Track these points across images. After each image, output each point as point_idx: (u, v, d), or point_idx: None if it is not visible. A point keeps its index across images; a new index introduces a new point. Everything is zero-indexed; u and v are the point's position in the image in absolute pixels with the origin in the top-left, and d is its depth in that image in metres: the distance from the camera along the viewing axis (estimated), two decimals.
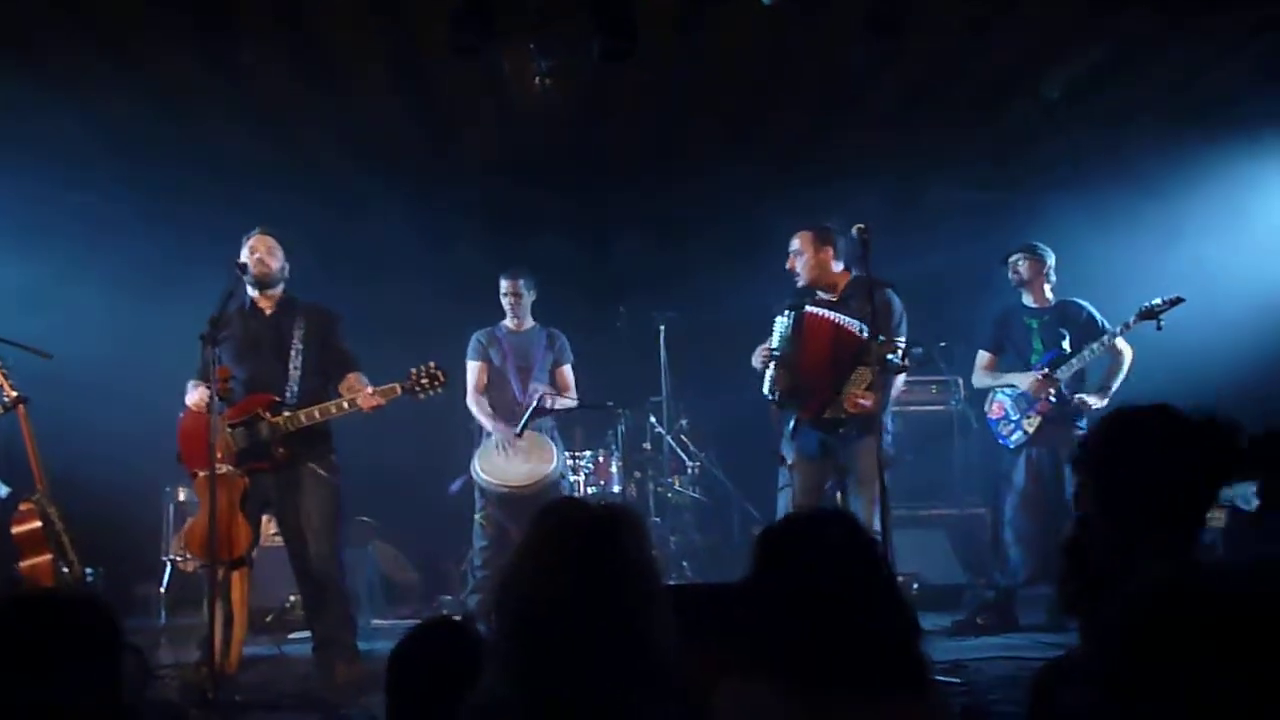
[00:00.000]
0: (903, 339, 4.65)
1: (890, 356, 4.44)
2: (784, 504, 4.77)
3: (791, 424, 4.78)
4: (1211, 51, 5.73)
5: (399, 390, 4.42)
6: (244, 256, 4.52)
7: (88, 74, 5.57)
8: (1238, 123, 6.22)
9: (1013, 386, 5.32)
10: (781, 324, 4.75)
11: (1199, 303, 5.21)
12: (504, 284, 5.77)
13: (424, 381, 4.45)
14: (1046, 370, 5.21)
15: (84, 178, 6.40)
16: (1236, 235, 6.52)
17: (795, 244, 4.89)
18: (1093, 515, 1.84)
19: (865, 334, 4.48)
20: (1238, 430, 1.76)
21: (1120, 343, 5.16)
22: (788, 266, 4.90)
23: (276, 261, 4.60)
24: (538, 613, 1.66)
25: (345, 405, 4.38)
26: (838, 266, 4.86)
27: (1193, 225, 6.45)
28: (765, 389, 4.77)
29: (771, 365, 4.71)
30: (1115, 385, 5.25)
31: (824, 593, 1.74)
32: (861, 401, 4.52)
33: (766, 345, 4.81)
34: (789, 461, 4.77)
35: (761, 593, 1.84)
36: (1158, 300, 4.98)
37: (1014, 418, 5.29)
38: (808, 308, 4.75)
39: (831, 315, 4.66)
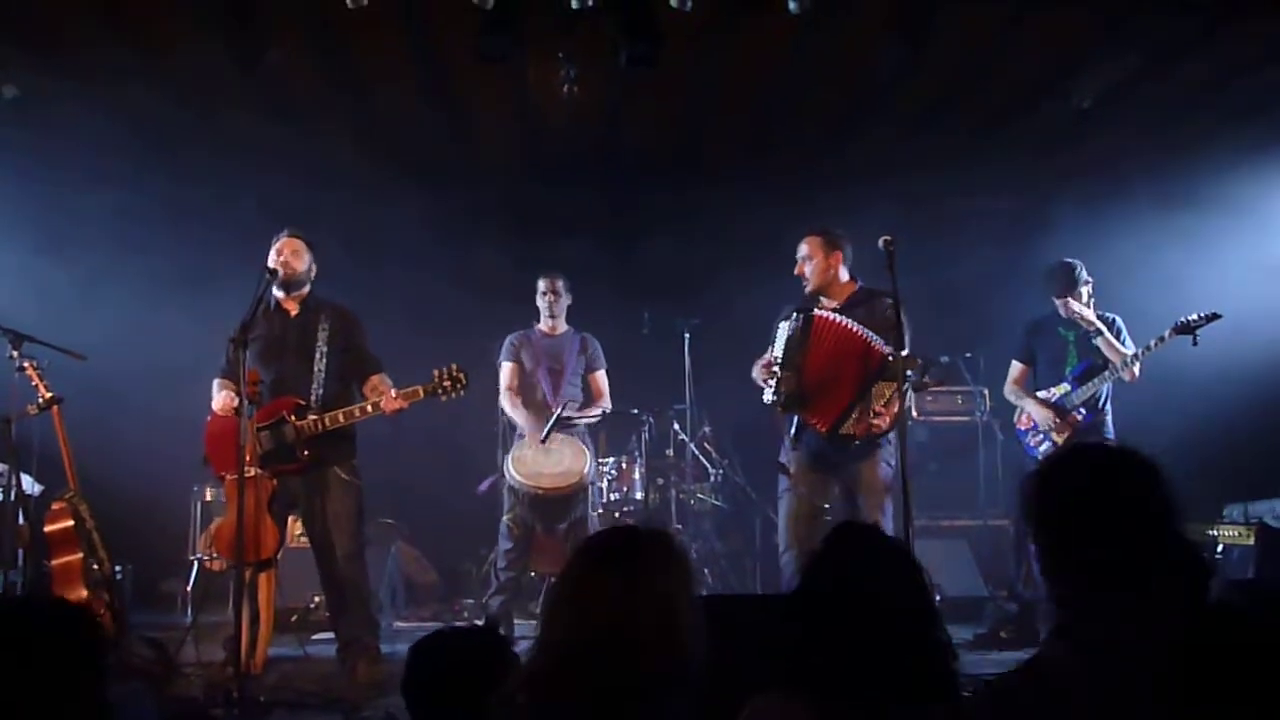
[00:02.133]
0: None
1: (910, 373, 4.34)
2: (785, 510, 4.71)
3: (793, 429, 4.71)
4: (1245, 56, 5.68)
5: (421, 393, 4.45)
6: (271, 259, 4.58)
7: (114, 67, 5.64)
8: (1269, 129, 6.15)
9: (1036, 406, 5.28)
10: (787, 328, 4.64)
11: (1236, 316, 5.16)
12: (542, 283, 5.77)
13: (446, 384, 4.46)
14: (1061, 395, 5.18)
15: (113, 173, 6.46)
16: (1266, 246, 6.46)
17: (804, 249, 4.83)
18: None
19: (888, 349, 4.39)
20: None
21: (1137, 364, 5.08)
22: (796, 271, 4.84)
23: (302, 264, 4.65)
24: (568, 638, 1.68)
25: (369, 408, 4.43)
26: (844, 275, 4.81)
27: (1222, 235, 6.39)
28: (768, 396, 4.65)
29: (776, 370, 4.59)
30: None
31: (868, 609, 1.76)
32: (876, 421, 4.46)
33: (767, 357, 4.72)
34: (790, 469, 4.71)
35: (806, 607, 1.85)
36: (1195, 315, 4.90)
37: (1042, 428, 5.25)
38: (818, 312, 4.65)
39: (854, 326, 4.52)
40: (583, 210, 7.23)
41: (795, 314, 4.65)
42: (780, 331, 4.68)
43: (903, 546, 1.97)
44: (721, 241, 7.35)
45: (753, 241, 7.13)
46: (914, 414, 4.90)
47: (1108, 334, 5.12)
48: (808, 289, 4.82)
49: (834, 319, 4.59)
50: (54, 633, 1.76)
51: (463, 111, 6.43)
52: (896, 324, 4.14)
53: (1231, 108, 6.16)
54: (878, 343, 4.48)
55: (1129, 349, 5.12)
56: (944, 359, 6.14)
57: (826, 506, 4.72)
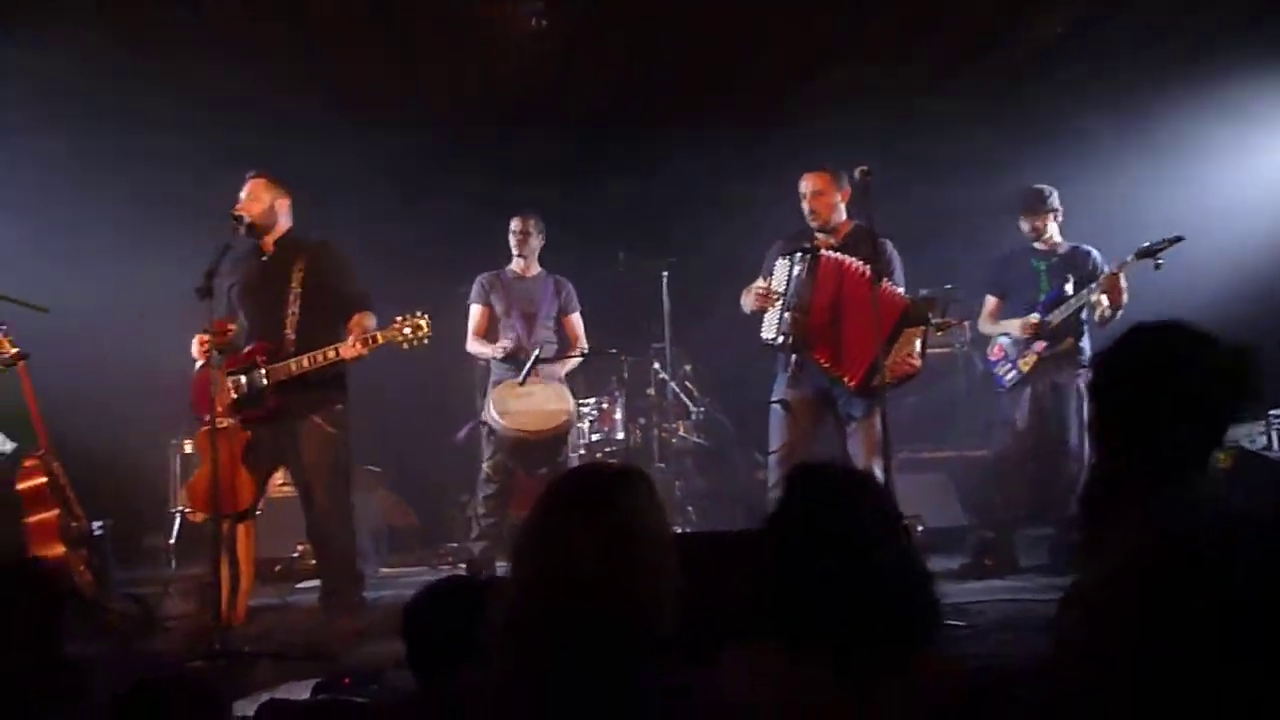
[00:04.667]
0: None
1: (931, 316, 4.47)
2: (779, 444, 4.72)
3: (792, 365, 4.71)
4: None
5: (380, 339, 4.32)
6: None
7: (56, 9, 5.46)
8: (1239, 56, 6.08)
9: (1007, 335, 5.30)
10: (788, 266, 4.62)
11: (1204, 241, 5.13)
12: (514, 223, 5.63)
13: (407, 330, 4.34)
14: (1037, 315, 5.17)
15: (62, 119, 6.29)
16: (1241, 172, 6.44)
17: (814, 184, 4.77)
18: (1101, 438, 1.74)
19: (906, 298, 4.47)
20: (1254, 353, 1.67)
21: (1115, 282, 5.04)
22: (808, 206, 4.78)
23: (260, 204, 4.50)
24: (551, 576, 1.64)
25: (331, 354, 4.31)
26: (844, 212, 4.81)
27: (1196, 163, 6.36)
28: (768, 332, 4.64)
29: (780, 310, 4.58)
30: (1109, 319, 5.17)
31: (843, 548, 1.73)
32: (913, 362, 4.49)
33: (761, 287, 4.70)
34: (787, 402, 4.71)
35: (779, 545, 1.81)
36: (1156, 240, 4.89)
37: (1011, 357, 5.27)
38: (825, 253, 4.61)
39: (866, 271, 4.37)
40: (545, 152, 7.10)
41: (799, 253, 4.62)
42: (780, 268, 4.66)
43: (870, 481, 1.92)
44: (694, 178, 7.25)
45: (727, 177, 7.05)
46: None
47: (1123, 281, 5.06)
48: (815, 224, 4.78)
49: (843, 261, 4.57)
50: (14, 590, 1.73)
51: (422, 50, 6.26)
52: (892, 261, 4.17)
53: (1200, 33, 6.07)
54: (898, 293, 4.50)
55: (1122, 283, 5.08)
56: (957, 291, 6.20)
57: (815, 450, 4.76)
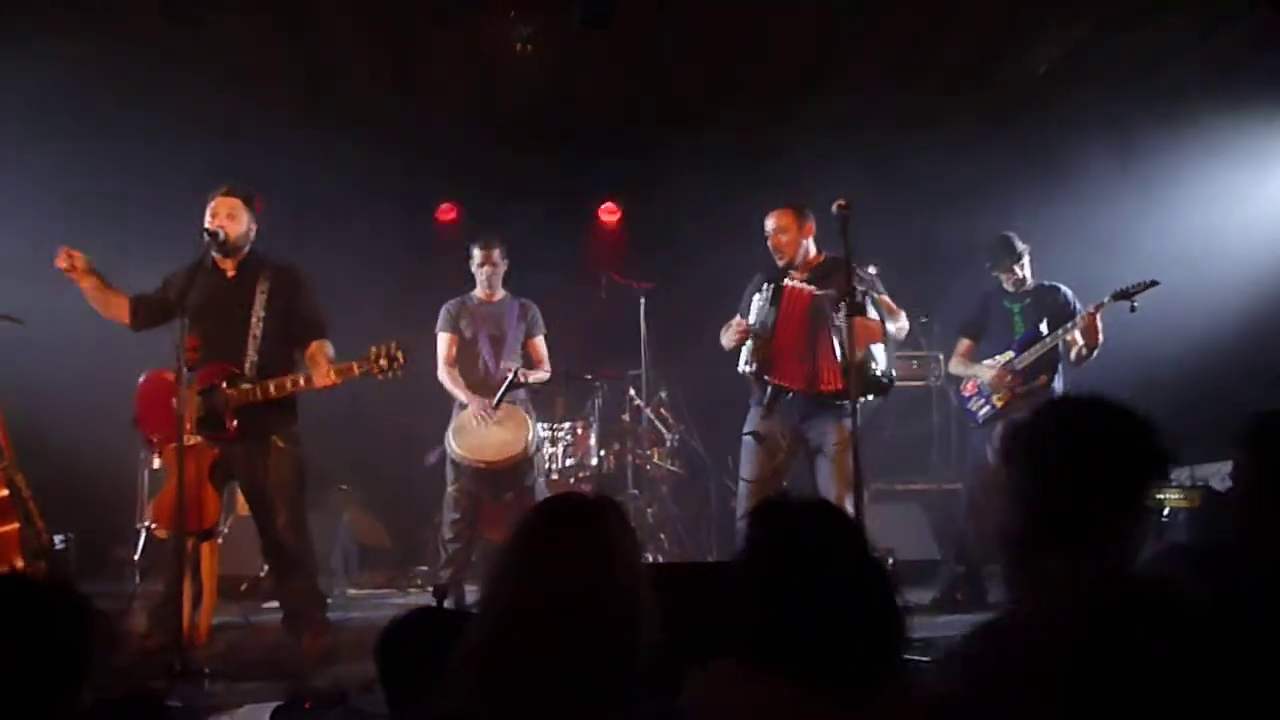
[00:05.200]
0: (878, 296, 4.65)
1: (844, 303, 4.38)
2: (749, 475, 4.76)
3: (767, 397, 4.76)
4: (1196, 23, 5.69)
5: (356, 370, 4.27)
6: (207, 220, 4.37)
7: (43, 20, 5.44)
8: (1225, 94, 6.18)
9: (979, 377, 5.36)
10: (759, 298, 4.75)
11: (1193, 277, 5.16)
12: (477, 253, 5.60)
13: (382, 362, 4.27)
14: (1007, 361, 5.24)
15: (45, 133, 6.25)
16: (1227, 208, 6.53)
17: (778, 222, 4.84)
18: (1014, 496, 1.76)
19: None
20: (1157, 433, 1.70)
21: (1092, 323, 5.10)
22: (771, 244, 4.86)
23: (240, 225, 4.42)
24: (525, 605, 1.63)
25: (301, 382, 4.27)
26: (812, 248, 4.86)
27: (1183, 199, 6.44)
28: (742, 364, 4.76)
29: (749, 339, 4.70)
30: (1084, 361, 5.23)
31: (812, 581, 1.74)
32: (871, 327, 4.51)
33: (739, 322, 4.80)
34: (763, 435, 4.75)
35: (750, 577, 1.83)
36: (1132, 283, 4.96)
37: (985, 393, 5.32)
38: (788, 282, 4.75)
39: (813, 290, 4.62)
40: (534, 172, 7.11)
41: (765, 284, 4.75)
42: (754, 302, 4.78)
43: (840, 514, 1.94)
44: (677, 204, 7.29)
45: (709, 204, 7.09)
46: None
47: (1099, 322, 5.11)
48: (781, 262, 4.85)
49: (802, 289, 4.69)
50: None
51: (415, 72, 6.28)
52: (850, 286, 4.19)
53: (1187, 72, 6.17)
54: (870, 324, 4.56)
55: (1098, 323, 5.14)
56: (924, 320, 6.36)
57: (784, 484, 4.79)
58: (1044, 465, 1.70)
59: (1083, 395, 1.78)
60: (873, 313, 4.58)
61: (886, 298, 4.81)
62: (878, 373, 4.58)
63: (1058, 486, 1.67)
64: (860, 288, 4.37)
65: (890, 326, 4.69)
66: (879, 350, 4.62)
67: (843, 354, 4.45)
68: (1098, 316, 5.05)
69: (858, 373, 4.27)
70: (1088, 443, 1.68)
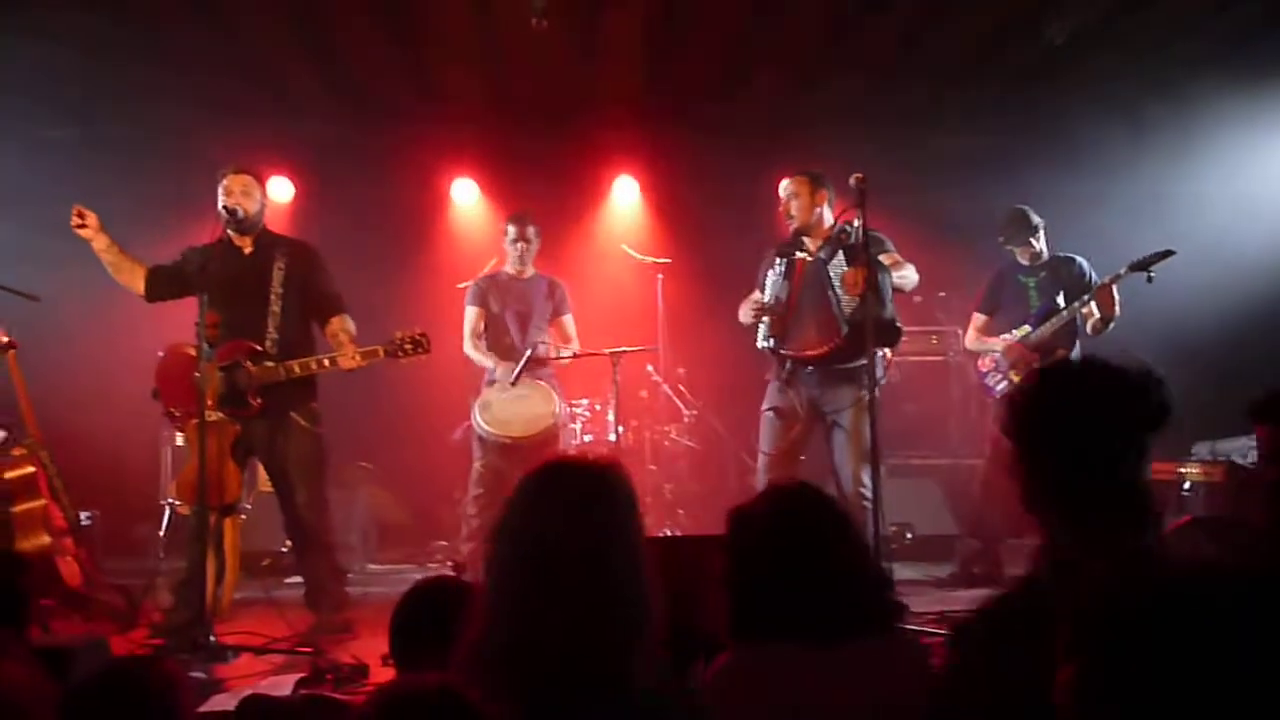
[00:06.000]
0: (895, 278, 4.61)
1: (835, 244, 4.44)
2: (769, 448, 4.77)
3: (786, 372, 4.76)
4: None
5: (381, 354, 4.35)
6: (221, 198, 4.40)
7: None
8: (1248, 65, 6.09)
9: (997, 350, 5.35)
10: (773, 274, 4.75)
11: (1214, 252, 5.09)
12: (512, 229, 5.63)
13: (407, 347, 4.37)
14: (1023, 335, 5.21)
15: (63, 107, 6.28)
16: (1243, 183, 6.45)
17: (790, 187, 4.85)
18: (1016, 467, 1.75)
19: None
20: (1160, 384, 1.65)
21: (1108, 294, 5.05)
22: (781, 209, 4.88)
23: (254, 202, 4.45)
24: (526, 563, 1.65)
25: (326, 363, 4.32)
26: (828, 217, 4.82)
27: (1199, 173, 6.38)
28: (760, 339, 4.78)
29: (764, 316, 4.72)
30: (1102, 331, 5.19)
31: (792, 555, 1.86)
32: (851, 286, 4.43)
33: (754, 299, 4.81)
34: (783, 410, 4.76)
35: (736, 566, 1.95)
36: (1149, 254, 4.90)
37: (1002, 368, 5.30)
38: (799, 255, 4.74)
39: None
40: (550, 147, 7.10)
41: (779, 258, 4.73)
42: (767, 276, 4.78)
43: (817, 493, 2.03)
44: (693, 179, 7.27)
45: (726, 179, 7.07)
46: (889, 357, 4.91)
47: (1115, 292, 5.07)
48: (792, 227, 4.85)
49: (815, 260, 4.66)
50: None
51: (429, 47, 6.26)
52: (865, 256, 4.19)
53: (1203, 46, 6.08)
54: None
55: (1114, 293, 5.09)
56: (941, 294, 6.41)
57: (802, 458, 4.81)
58: (1036, 433, 1.69)
59: (1076, 360, 1.79)
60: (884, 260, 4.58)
61: (895, 254, 4.77)
62: (885, 318, 4.46)
63: (1052, 453, 1.66)
64: (850, 242, 4.36)
65: (896, 275, 4.63)
66: (885, 297, 4.52)
67: (839, 307, 4.43)
68: (1113, 288, 5.01)
69: (862, 323, 4.19)
70: (1079, 403, 1.65)
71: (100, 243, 4.40)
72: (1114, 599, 1.13)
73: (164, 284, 4.50)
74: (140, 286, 4.50)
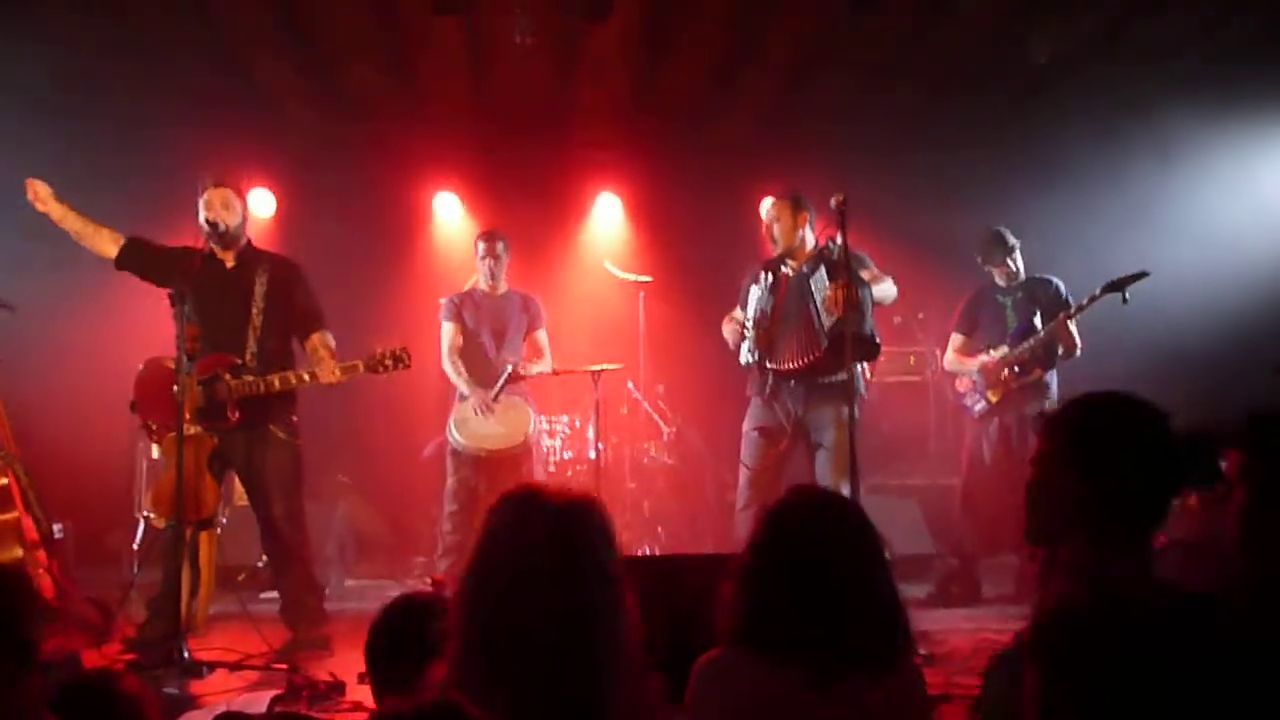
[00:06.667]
0: (874, 298, 4.63)
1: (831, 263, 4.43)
2: (752, 464, 4.78)
3: (768, 388, 4.78)
4: (1199, 17, 5.70)
5: (361, 369, 4.35)
6: (201, 213, 4.39)
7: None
8: (1225, 88, 6.18)
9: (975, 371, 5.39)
10: (757, 289, 4.79)
11: (1191, 271, 5.11)
12: (482, 246, 5.66)
13: (388, 362, 4.37)
14: (1003, 353, 5.26)
15: (41, 120, 6.23)
16: (1229, 203, 6.54)
17: (772, 212, 4.89)
18: (1058, 484, 1.80)
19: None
20: (1217, 447, 1.76)
21: (1063, 329, 5.13)
22: (766, 232, 4.91)
23: (234, 217, 4.44)
24: (498, 602, 1.62)
25: (306, 378, 4.31)
26: (810, 238, 4.85)
27: (1176, 191, 6.45)
28: (744, 355, 4.80)
29: (748, 330, 4.74)
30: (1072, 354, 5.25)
31: (825, 572, 1.78)
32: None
33: (736, 316, 4.84)
34: (765, 426, 4.78)
35: (762, 568, 1.85)
36: (1124, 275, 4.95)
37: (980, 388, 5.35)
38: (785, 271, 4.77)
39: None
40: (533, 163, 7.12)
41: (764, 273, 4.78)
42: (751, 293, 4.81)
43: (857, 509, 1.95)
44: (676, 197, 7.30)
45: (709, 196, 7.10)
46: (867, 374, 4.94)
47: (1072, 326, 5.15)
48: (776, 250, 4.88)
49: (798, 274, 4.70)
50: None
51: (417, 65, 6.27)
52: (846, 277, 4.20)
53: (1185, 67, 6.17)
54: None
55: (1072, 328, 5.16)
56: (920, 316, 6.46)
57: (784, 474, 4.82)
58: (1095, 461, 1.75)
59: (1117, 394, 1.82)
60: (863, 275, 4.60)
61: (874, 269, 4.80)
62: (865, 334, 4.49)
63: (1116, 478, 1.73)
64: (832, 258, 4.39)
65: (876, 290, 4.65)
66: (866, 312, 4.55)
67: (820, 321, 4.47)
68: (1070, 323, 5.09)
69: (843, 337, 4.20)
70: (1143, 441, 1.74)
71: (56, 212, 4.40)
72: (1076, 615, 1.17)
73: (138, 259, 4.46)
74: (111, 251, 4.45)
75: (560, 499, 1.67)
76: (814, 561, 1.80)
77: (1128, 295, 4.92)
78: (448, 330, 5.63)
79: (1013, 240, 5.40)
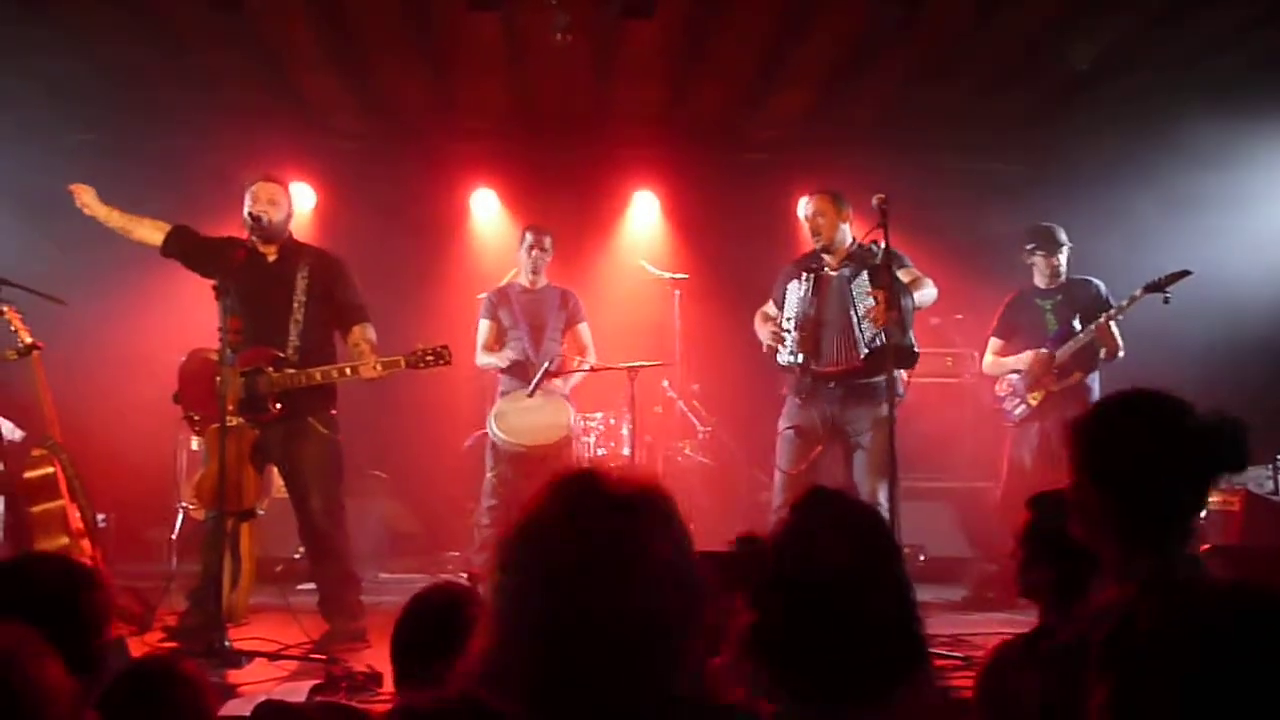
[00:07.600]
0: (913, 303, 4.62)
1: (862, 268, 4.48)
2: (786, 464, 4.78)
3: (806, 390, 4.78)
4: (1240, 20, 5.62)
5: (402, 364, 4.37)
6: (247, 205, 4.44)
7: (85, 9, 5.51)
8: (1266, 92, 6.09)
9: (1017, 371, 5.33)
10: (796, 288, 4.77)
11: (1221, 278, 5.07)
12: (530, 236, 5.67)
13: (429, 358, 4.39)
14: (1045, 350, 5.19)
15: (85, 115, 6.34)
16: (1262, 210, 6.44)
17: (814, 206, 4.88)
18: (1083, 495, 1.79)
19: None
20: (1244, 430, 1.72)
21: (1105, 331, 5.08)
22: (809, 228, 4.90)
23: (280, 212, 4.49)
24: (538, 599, 1.51)
25: (348, 372, 4.35)
26: (848, 236, 4.85)
27: (1218, 199, 6.36)
28: (783, 357, 4.78)
29: (790, 330, 4.73)
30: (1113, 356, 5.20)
31: (840, 578, 1.69)
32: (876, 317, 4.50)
33: (769, 312, 4.87)
34: (800, 427, 4.78)
35: (772, 584, 1.76)
36: (1165, 274, 4.93)
37: (1020, 392, 5.30)
38: (826, 272, 4.77)
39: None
40: (571, 162, 7.14)
41: (805, 274, 4.76)
42: (790, 292, 4.80)
43: (876, 515, 1.87)
44: (712, 196, 7.29)
45: (745, 196, 7.09)
46: (904, 376, 4.92)
47: (1114, 328, 5.11)
48: (817, 245, 4.87)
49: (839, 276, 4.71)
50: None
51: (454, 62, 6.30)
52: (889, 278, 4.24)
53: (1229, 70, 6.08)
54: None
55: (1113, 329, 5.11)
56: (958, 317, 6.47)
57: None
58: (1112, 465, 1.74)
59: (1129, 392, 1.80)
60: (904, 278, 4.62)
61: (914, 269, 4.82)
62: (904, 345, 4.52)
63: (1129, 484, 1.71)
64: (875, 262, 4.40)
65: (917, 295, 4.68)
66: (907, 323, 4.58)
67: (859, 330, 4.46)
68: (1111, 324, 5.04)
69: (883, 349, 4.24)
70: (1159, 434, 1.72)
71: (101, 213, 4.50)
72: (1149, 622, 1.14)
73: (182, 245, 4.54)
74: (157, 239, 4.54)
75: (622, 486, 1.44)
76: (812, 588, 1.68)
77: (1168, 295, 4.87)
78: (483, 328, 5.67)
79: (1064, 238, 5.34)
